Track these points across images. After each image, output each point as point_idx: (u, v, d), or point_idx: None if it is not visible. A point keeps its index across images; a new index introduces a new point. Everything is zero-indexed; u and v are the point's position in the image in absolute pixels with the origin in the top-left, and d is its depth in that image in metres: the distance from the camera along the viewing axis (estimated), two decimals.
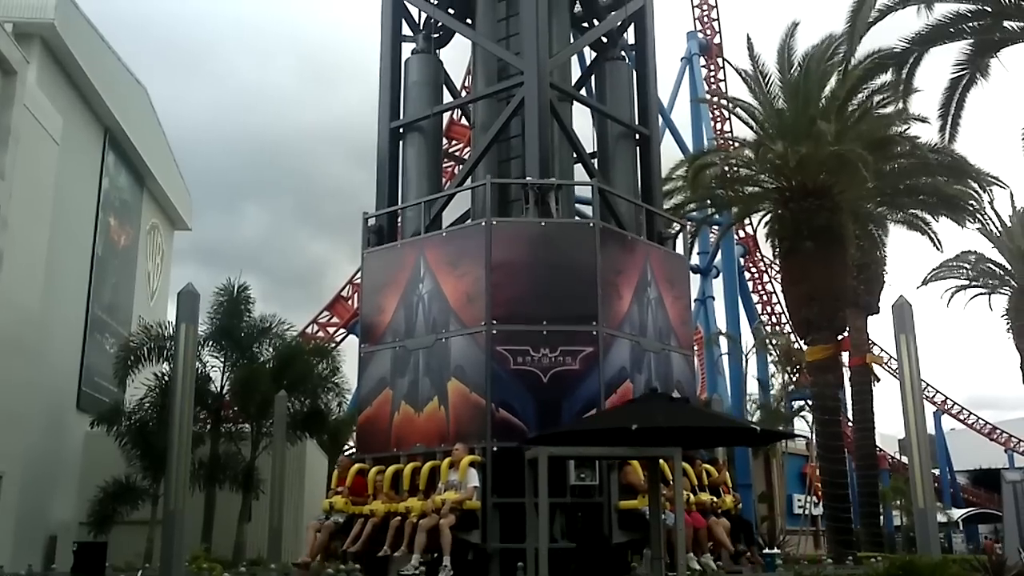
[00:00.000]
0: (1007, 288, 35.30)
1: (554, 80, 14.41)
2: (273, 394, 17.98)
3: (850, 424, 30.38)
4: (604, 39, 16.34)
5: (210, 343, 22.18)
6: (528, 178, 13.32)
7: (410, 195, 14.94)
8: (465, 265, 12.81)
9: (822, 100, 22.68)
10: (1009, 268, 34.68)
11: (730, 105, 29.44)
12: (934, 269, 35.36)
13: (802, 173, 22.25)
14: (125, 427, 21.41)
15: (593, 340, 12.30)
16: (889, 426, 62.44)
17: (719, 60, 45.57)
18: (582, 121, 16.89)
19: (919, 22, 16.69)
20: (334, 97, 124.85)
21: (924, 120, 20.91)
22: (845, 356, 27.83)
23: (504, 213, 13.90)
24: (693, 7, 46.28)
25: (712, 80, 45.62)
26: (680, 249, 15.57)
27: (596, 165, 15.50)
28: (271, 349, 22.90)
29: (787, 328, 39.21)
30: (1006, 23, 16.49)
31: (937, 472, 51.47)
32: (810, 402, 29.66)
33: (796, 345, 34.98)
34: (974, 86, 17.41)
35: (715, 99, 41.32)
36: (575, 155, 15.34)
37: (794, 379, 38.55)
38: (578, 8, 16.88)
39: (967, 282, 36.20)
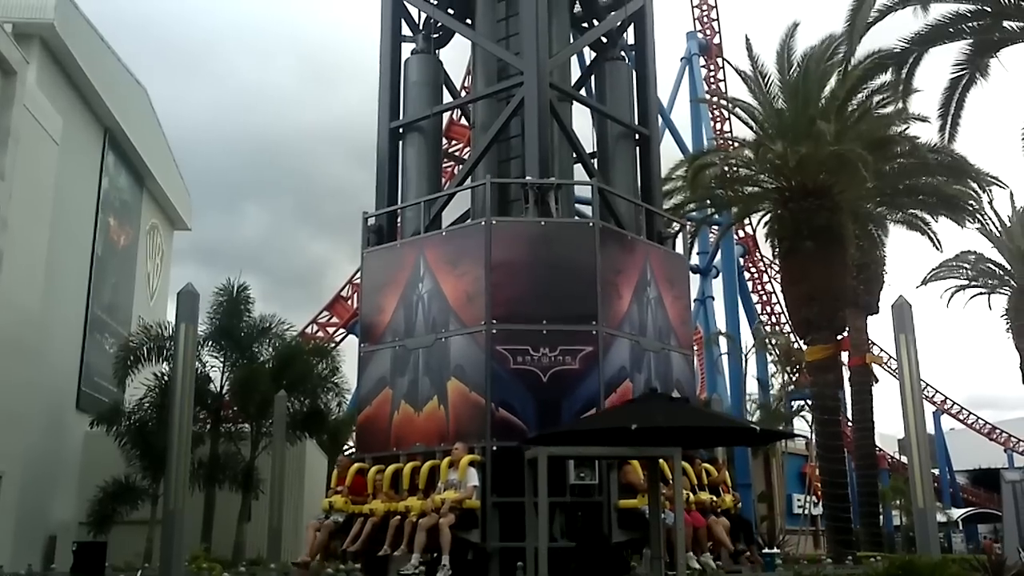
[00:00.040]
0: (1006, 288, 35.34)
1: (554, 80, 14.41)
2: (273, 394, 18.01)
3: (850, 424, 30.39)
4: (604, 39, 16.33)
5: (210, 343, 22.21)
6: (528, 178, 13.32)
7: (410, 195, 14.93)
8: (465, 265, 12.81)
9: (822, 100, 22.70)
10: (1009, 268, 34.72)
11: (730, 105, 29.47)
12: (934, 269, 35.44)
13: (802, 173, 22.26)
14: (125, 427, 21.44)
15: (593, 339, 12.30)
16: (889, 426, 62.41)
17: (719, 60, 45.58)
18: (582, 121, 16.91)
19: (918, 22, 16.73)
20: (334, 97, 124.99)
21: (924, 119, 20.97)
22: (845, 356, 27.85)
23: (504, 213, 13.90)
24: (693, 7, 46.30)
25: (712, 80, 45.63)
26: (680, 249, 15.56)
27: (596, 165, 15.49)
28: (271, 349, 22.95)
29: (787, 328, 39.23)
30: (1005, 23, 16.50)
31: (937, 472, 51.44)
32: (810, 402, 29.68)
33: (796, 345, 35.01)
34: (974, 86, 17.43)
35: (715, 99, 41.34)
36: (575, 155, 15.34)
37: (794, 379, 38.57)
38: (578, 8, 16.87)
39: (967, 282, 36.24)
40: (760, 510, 35.85)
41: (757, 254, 45.19)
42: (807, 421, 34.48)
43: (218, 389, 22.24)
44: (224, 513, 21.14)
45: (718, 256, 39.76)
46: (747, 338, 40.04)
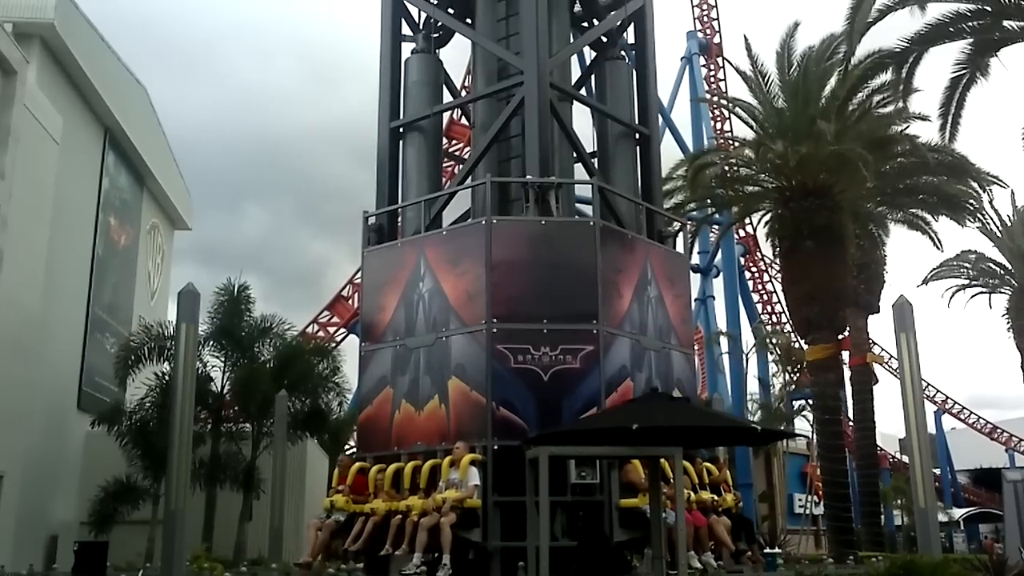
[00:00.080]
0: (1007, 287, 35.32)
1: (554, 80, 14.41)
2: (274, 394, 18.03)
3: (851, 423, 30.38)
4: (604, 39, 16.33)
5: (211, 343, 22.23)
6: (528, 177, 13.32)
7: (410, 195, 14.93)
8: (465, 264, 12.82)
9: (822, 100, 22.70)
10: (1009, 267, 34.70)
11: (730, 105, 29.46)
12: (934, 268, 35.42)
13: (802, 172, 22.26)
14: (126, 427, 21.45)
15: (593, 338, 12.30)
16: (890, 425, 62.35)
17: (719, 60, 45.57)
18: (582, 121, 16.91)
19: (914, 24, 16.74)
20: (334, 97, 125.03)
21: (925, 119, 20.95)
22: (845, 355, 27.85)
23: (504, 212, 13.89)
24: (693, 7, 46.30)
25: (712, 80, 45.62)
26: (680, 248, 15.56)
27: (596, 165, 15.49)
28: (272, 349, 22.96)
29: (787, 327, 39.22)
30: (1006, 22, 16.50)
31: (938, 471, 51.47)
32: (811, 401, 29.66)
33: (796, 344, 35.00)
34: (974, 85, 17.42)
35: (715, 99, 41.34)
36: (575, 155, 15.34)
37: (795, 378, 38.56)
38: (578, 8, 16.87)
39: (967, 281, 36.22)
40: (761, 510, 35.84)
41: (758, 253, 45.19)
42: (808, 421, 34.48)
43: (219, 389, 22.25)
44: (225, 513, 21.15)
45: (719, 255, 39.76)
46: (748, 337, 40.05)
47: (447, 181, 18.17)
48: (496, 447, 11.80)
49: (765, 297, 46.70)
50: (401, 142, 15.52)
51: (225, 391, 22.22)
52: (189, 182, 35.57)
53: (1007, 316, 35.20)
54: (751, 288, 45.80)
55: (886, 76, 20.32)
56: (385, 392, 13.23)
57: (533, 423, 11.82)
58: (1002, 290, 35.70)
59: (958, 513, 49.57)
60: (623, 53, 16.96)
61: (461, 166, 20.50)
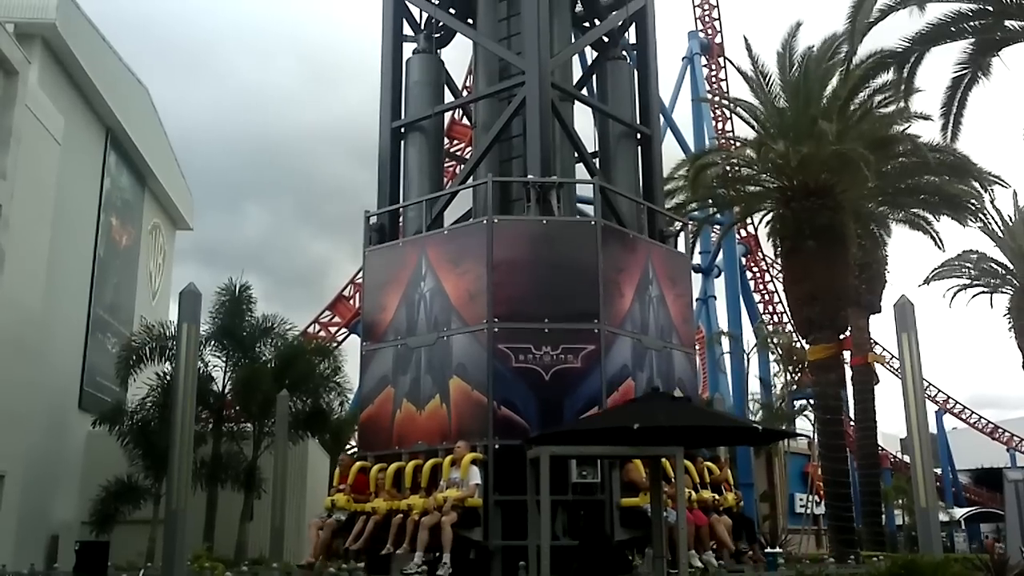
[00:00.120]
0: (1009, 287, 35.31)
1: (555, 80, 14.42)
2: (275, 393, 18.04)
3: (852, 423, 30.36)
4: (605, 39, 16.35)
5: (212, 343, 22.23)
6: (529, 176, 13.33)
7: (411, 195, 14.95)
8: (467, 263, 12.83)
9: (824, 99, 22.67)
10: (1011, 267, 34.68)
11: (731, 105, 29.44)
12: (936, 268, 35.38)
13: (804, 172, 22.25)
14: (127, 427, 21.45)
15: (595, 338, 12.31)
16: (891, 425, 62.40)
17: (720, 60, 45.53)
18: (583, 121, 16.92)
19: (915, 23, 16.73)
20: (335, 97, 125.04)
21: (927, 118, 20.95)
22: (847, 355, 27.82)
23: (505, 212, 13.90)
24: (694, 7, 46.24)
25: (713, 80, 45.57)
26: (682, 248, 15.56)
27: (597, 165, 15.50)
28: (273, 349, 22.95)
29: (789, 327, 39.20)
30: (1007, 22, 16.49)
31: (939, 471, 51.47)
32: (812, 401, 29.65)
33: (798, 344, 34.97)
34: (976, 85, 17.42)
35: (716, 99, 41.31)
36: (576, 154, 15.34)
37: (796, 378, 38.52)
38: (579, 8, 16.88)
39: (969, 281, 36.20)
40: (762, 509, 35.81)
41: (759, 253, 45.16)
42: (809, 420, 34.45)
43: (220, 389, 22.25)
44: (226, 512, 21.15)
45: (720, 255, 39.72)
46: (749, 337, 40.04)
47: (448, 181, 18.19)
48: (497, 446, 11.81)
49: (766, 297, 46.67)
50: (402, 142, 15.54)
51: (226, 391, 22.22)
52: (190, 182, 35.62)
53: (1008, 316, 35.19)
54: (752, 288, 45.75)
55: (888, 76, 20.30)
56: (386, 391, 13.24)
57: (534, 422, 11.83)
58: (1003, 290, 35.69)
59: (959, 513, 49.55)
60: (624, 53, 16.97)
61: (462, 166, 20.52)
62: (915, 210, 25.95)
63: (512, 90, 14.56)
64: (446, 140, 24.10)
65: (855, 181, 21.53)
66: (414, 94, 15.69)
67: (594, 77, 17.15)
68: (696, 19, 46.07)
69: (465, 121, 29.08)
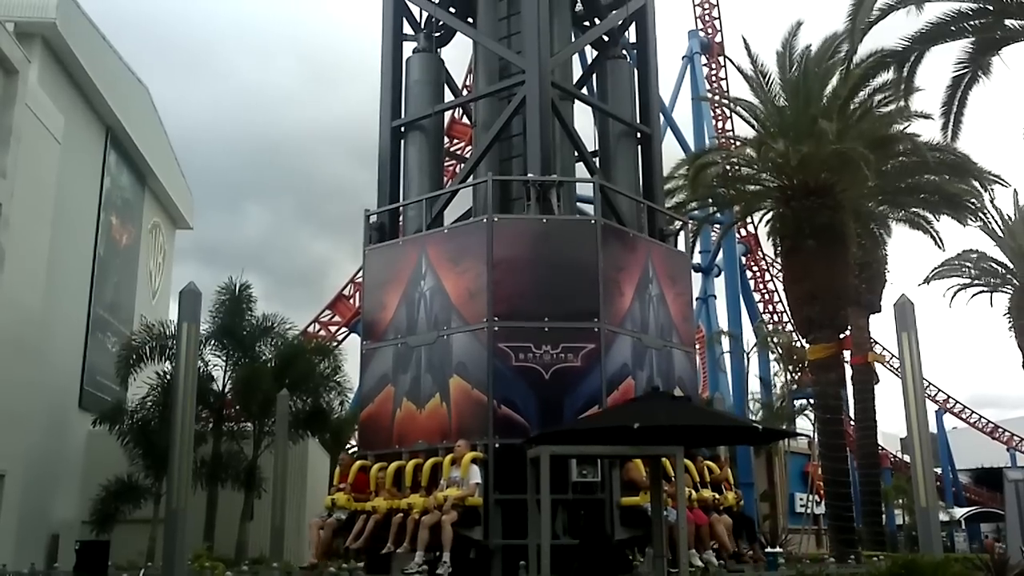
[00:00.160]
0: (1009, 287, 35.30)
1: (555, 79, 14.42)
2: (275, 393, 18.03)
3: (852, 423, 30.36)
4: (605, 38, 16.35)
5: (212, 342, 22.22)
6: (529, 175, 13.33)
7: (411, 194, 14.95)
8: (467, 262, 12.83)
9: (824, 99, 22.66)
10: (1011, 267, 34.68)
11: (731, 104, 29.43)
12: (936, 268, 35.35)
13: (804, 172, 22.23)
14: (127, 426, 21.44)
15: (595, 337, 12.31)
16: (891, 425, 62.40)
17: (720, 59, 45.53)
18: (583, 120, 16.91)
19: (915, 23, 16.72)
20: (335, 96, 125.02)
21: (927, 117, 20.91)
22: (847, 355, 27.80)
23: (505, 211, 13.91)
24: (694, 6, 46.25)
25: (713, 79, 45.58)
26: (681, 247, 15.56)
27: (597, 164, 15.50)
28: (273, 348, 22.94)
29: (789, 326, 39.21)
30: (1007, 21, 16.47)
31: (939, 471, 51.47)
32: (812, 401, 29.65)
33: (798, 343, 34.97)
34: (976, 84, 17.40)
35: (716, 98, 41.30)
36: (576, 153, 15.34)
37: (796, 378, 38.53)
38: (579, 7, 16.88)
39: (969, 281, 36.19)
40: (762, 509, 35.82)
41: (759, 253, 45.17)
42: (809, 420, 34.46)
43: (220, 388, 22.25)
44: (226, 512, 21.14)
45: (720, 255, 39.72)
46: (749, 336, 40.05)
47: (448, 180, 18.17)
48: (497, 445, 11.82)
49: (766, 296, 46.69)
50: (402, 141, 15.54)
51: (226, 390, 22.21)
52: (190, 181, 35.61)
53: (1008, 315, 35.17)
54: (752, 287, 45.77)
55: (888, 75, 20.28)
56: (386, 390, 13.24)
57: (534, 421, 11.83)
58: (1003, 289, 35.68)
59: (959, 512, 49.56)
60: (624, 52, 16.97)
61: (462, 165, 20.50)
62: (915, 209, 25.92)
63: (512, 89, 14.56)
64: (446, 139, 24.08)
65: (855, 180, 21.52)
66: (414, 93, 15.69)
67: (594, 76, 17.15)
68: (696, 18, 46.10)
69: (465, 120, 29.06)
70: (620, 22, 16.25)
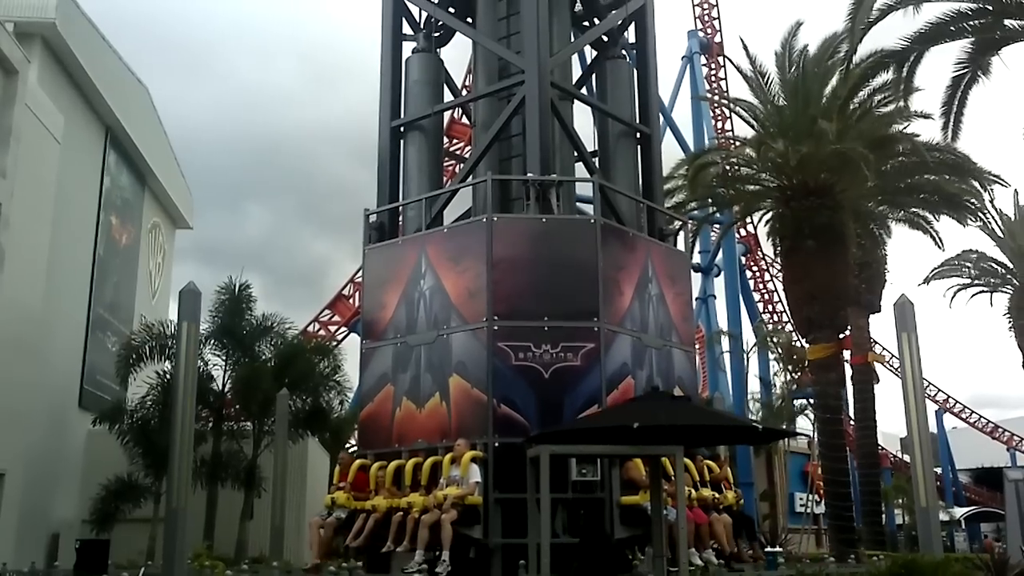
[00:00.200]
0: (1009, 287, 35.34)
1: (555, 79, 14.43)
2: (275, 392, 18.04)
3: (852, 423, 30.37)
4: (605, 38, 16.35)
5: (212, 341, 22.22)
6: (529, 175, 13.34)
7: (411, 193, 14.95)
8: (466, 261, 12.84)
9: (823, 99, 22.68)
10: (1011, 267, 34.70)
11: (731, 104, 29.44)
12: (936, 268, 35.41)
13: (803, 172, 22.26)
14: (127, 425, 21.44)
15: (594, 336, 12.32)
16: (891, 424, 62.39)
17: (720, 59, 45.55)
18: (583, 120, 16.92)
19: (915, 23, 16.72)
20: (335, 96, 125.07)
21: (927, 117, 20.93)
22: (847, 354, 27.83)
23: (505, 211, 13.92)
24: (694, 6, 46.29)
25: (713, 79, 45.60)
26: (681, 246, 15.57)
27: (597, 163, 15.51)
28: (273, 347, 22.94)
29: (788, 326, 39.21)
30: (1007, 21, 16.49)
31: (939, 471, 51.47)
32: (812, 400, 29.66)
33: (797, 343, 34.99)
34: (976, 84, 17.41)
35: (716, 98, 41.31)
36: (576, 153, 15.35)
37: (796, 377, 38.55)
38: (579, 7, 16.88)
39: (969, 281, 36.23)
40: (762, 509, 35.83)
41: (759, 253, 45.19)
42: (809, 419, 34.48)
43: (220, 387, 22.24)
44: (226, 511, 21.15)
45: (720, 255, 39.74)
46: (749, 336, 40.08)
47: (448, 180, 18.18)
48: (497, 444, 11.83)
49: (766, 296, 46.72)
50: (402, 141, 15.54)
51: (226, 390, 22.22)
52: (190, 181, 35.61)
53: (1008, 315, 35.20)
54: (752, 287, 45.80)
55: (887, 75, 20.29)
56: (386, 390, 13.25)
57: (534, 420, 11.84)
58: (1003, 289, 35.72)
59: (959, 512, 49.55)
60: (624, 52, 16.97)
61: (462, 165, 20.51)
62: (915, 209, 25.94)
63: (512, 89, 14.56)
64: (446, 139, 24.11)
65: (855, 180, 21.54)
66: (414, 93, 15.70)
67: (594, 76, 17.15)
68: (695, 18, 46.14)
69: (465, 120, 29.08)
70: (619, 22, 16.26)
